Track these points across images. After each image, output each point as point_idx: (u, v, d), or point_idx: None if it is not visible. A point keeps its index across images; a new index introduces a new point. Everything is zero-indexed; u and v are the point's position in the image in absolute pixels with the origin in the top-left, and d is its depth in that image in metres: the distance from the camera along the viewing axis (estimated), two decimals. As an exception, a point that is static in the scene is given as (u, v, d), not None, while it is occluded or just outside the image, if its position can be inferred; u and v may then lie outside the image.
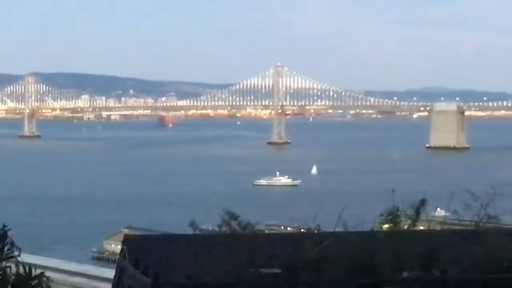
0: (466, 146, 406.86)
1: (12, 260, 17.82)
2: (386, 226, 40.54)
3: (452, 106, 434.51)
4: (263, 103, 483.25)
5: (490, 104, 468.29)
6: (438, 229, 43.56)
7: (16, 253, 18.10)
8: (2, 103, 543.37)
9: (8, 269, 17.73)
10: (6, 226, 17.62)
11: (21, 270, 18.00)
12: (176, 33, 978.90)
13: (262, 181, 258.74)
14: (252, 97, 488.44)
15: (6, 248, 17.48)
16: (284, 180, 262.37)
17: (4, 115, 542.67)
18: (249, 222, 38.77)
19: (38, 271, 18.63)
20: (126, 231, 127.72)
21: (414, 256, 37.35)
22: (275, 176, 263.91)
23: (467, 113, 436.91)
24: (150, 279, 36.38)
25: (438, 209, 42.08)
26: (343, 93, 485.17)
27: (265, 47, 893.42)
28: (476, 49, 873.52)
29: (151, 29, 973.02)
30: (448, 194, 41.46)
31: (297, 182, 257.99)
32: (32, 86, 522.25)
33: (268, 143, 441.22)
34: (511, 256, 37.28)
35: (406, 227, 40.20)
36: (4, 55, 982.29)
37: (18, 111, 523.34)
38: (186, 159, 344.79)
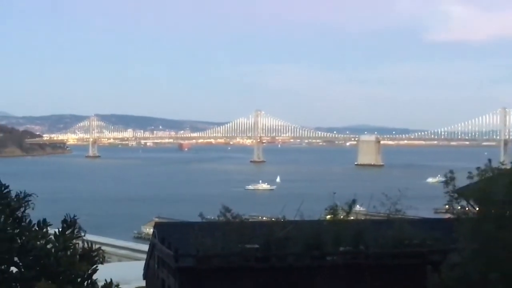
0: (381, 164, 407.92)
1: (79, 238, 17.77)
2: (329, 216, 40.42)
3: (372, 137, 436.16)
4: (248, 135, 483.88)
5: (397, 136, 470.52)
6: (363, 218, 43.54)
7: (82, 234, 18.04)
8: (75, 134, 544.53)
9: (77, 245, 17.69)
10: (75, 216, 17.64)
11: (86, 245, 17.93)
12: (191, 84, 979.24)
13: (251, 187, 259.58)
14: (240, 130, 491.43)
15: (76, 231, 17.43)
16: (265, 186, 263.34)
17: (76, 142, 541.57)
18: (238, 214, 38.62)
19: (97, 246, 18.63)
20: (156, 219, 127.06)
21: (347, 237, 37.28)
22: (259, 183, 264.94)
23: (382, 142, 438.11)
24: (172, 251, 36.17)
25: (358, 206, 41.83)
26: (300, 128, 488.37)
27: (249, 97, 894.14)
28: (384, 99, 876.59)
29: (174, 81, 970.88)
30: (369, 195, 41.47)
31: (273, 187, 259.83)
32: (95, 123, 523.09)
33: (251, 161, 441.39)
34: (411, 237, 37.23)
35: (342, 217, 40.10)
36: (76, 100, 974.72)
37: (85, 140, 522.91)
38: (197, 172, 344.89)
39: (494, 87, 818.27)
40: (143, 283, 49.20)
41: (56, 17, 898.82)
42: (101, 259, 18.28)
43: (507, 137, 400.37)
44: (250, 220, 46.54)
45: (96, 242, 19.72)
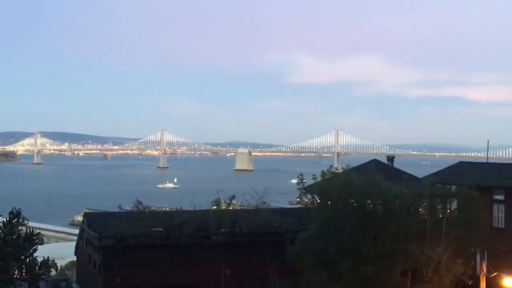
0: (252, 169, 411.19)
1: (23, 225, 16.94)
2: (214, 207, 40.18)
3: (246, 150, 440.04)
4: (156, 147, 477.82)
5: (264, 149, 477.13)
6: (238, 208, 43.58)
7: (25, 222, 17.22)
8: (23, 146, 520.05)
9: (21, 231, 16.87)
10: (20, 208, 16.85)
11: (28, 231, 17.10)
12: (113, 109, 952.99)
13: (160, 186, 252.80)
14: (150, 144, 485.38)
15: (20, 220, 16.66)
16: (171, 185, 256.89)
17: (24, 152, 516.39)
18: (147, 205, 37.77)
19: (37, 231, 17.80)
20: (86, 210, 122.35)
21: (227, 221, 37.16)
22: (166, 183, 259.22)
23: (253, 153, 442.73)
24: (97, 234, 34.87)
25: (233, 201, 41.87)
26: (194, 143, 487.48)
27: (157, 119, 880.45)
28: (255, 123, 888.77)
29: (101, 106, 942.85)
30: (243, 192, 41.48)
31: (177, 186, 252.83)
32: (38, 138, 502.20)
33: (158, 167, 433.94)
34: (272, 221, 37.56)
35: (224, 207, 39.96)
36: (24, 119, 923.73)
37: (31, 151, 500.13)
38: (117, 175, 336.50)
39: (331, 116, 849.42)
40: (75, 258, 47.83)
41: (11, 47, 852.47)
42: (40, 241, 17.54)
43: (339, 150, 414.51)
44: (156, 210, 45.76)
45: (38, 228, 18.85)
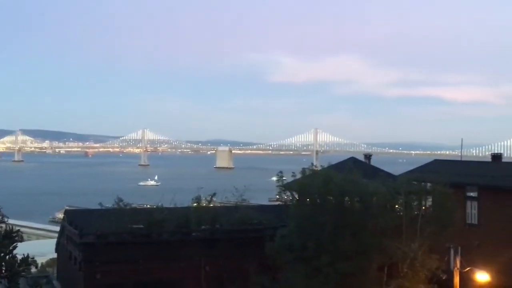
0: (232, 167, 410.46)
1: (3, 223, 16.64)
2: (195, 204, 39.99)
3: (226, 148, 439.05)
4: (137, 145, 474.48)
5: (244, 147, 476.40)
6: (219, 205, 43.45)
7: (5, 219, 16.92)
8: (3, 144, 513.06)
9: (0, 228, 16.56)
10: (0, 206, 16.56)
11: (7, 228, 16.81)
12: (95, 106, 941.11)
13: (142, 183, 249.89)
14: (131, 142, 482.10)
15: (0, 217, 16.37)
16: (152, 182, 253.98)
17: (4, 150, 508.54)
18: (128, 203, 37.43)
19: (16, 228, 17.50)
20: (67, 207, 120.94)
21: (208, 218, 37.01)
22: (148, 180, 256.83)
23: (233, 151, 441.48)
24: (78, 231, 34.50)
25: (213, 198, 41.67)
26: (175, 141, 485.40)
27: (138, 117, 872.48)
28: (235, 121, 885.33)
29: (83, 104, 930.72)
30: (223, 189, 41.36)
31: (158, 183, 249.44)
32: (19, 136, 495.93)
33: (139, 165, 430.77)
34: (252, 218, 37.50)
35: (204, 204, 39.79)
36: (5, 117, 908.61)
37: (11, 148, 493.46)
38: (99, 172, 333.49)
39: (310, 114, 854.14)
40: (55, 255, 47.20)
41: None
42: (20, 239, 17.25)
43: (317, 148, 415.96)
44: (137, 207, 45.41)
45: (18, 225, 18.62)
